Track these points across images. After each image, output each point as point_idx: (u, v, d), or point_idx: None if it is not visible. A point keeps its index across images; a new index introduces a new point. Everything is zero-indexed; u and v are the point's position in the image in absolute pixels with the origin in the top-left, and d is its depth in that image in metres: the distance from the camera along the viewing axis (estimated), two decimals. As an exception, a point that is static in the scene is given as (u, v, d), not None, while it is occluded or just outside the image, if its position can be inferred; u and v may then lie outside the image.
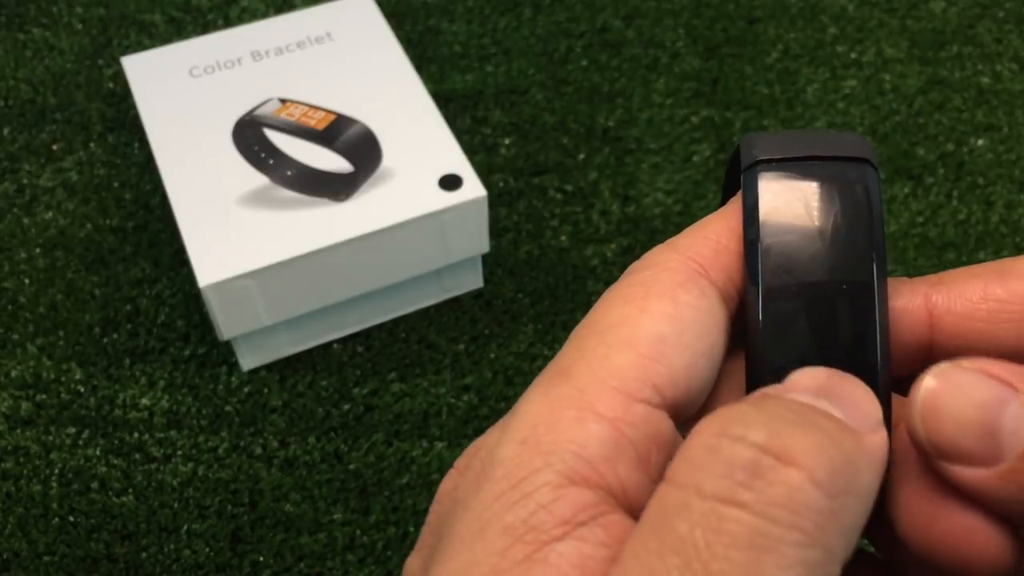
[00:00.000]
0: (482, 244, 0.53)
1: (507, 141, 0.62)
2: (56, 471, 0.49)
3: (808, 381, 0.18)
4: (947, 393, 0.19)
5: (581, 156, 0.61)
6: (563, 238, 0.57)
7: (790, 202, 0.20)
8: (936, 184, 0.59)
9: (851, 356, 0.19)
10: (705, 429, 0.17)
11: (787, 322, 0.20)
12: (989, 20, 0.68)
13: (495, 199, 0.59)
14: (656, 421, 0.19)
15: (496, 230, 0.57)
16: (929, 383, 0.19)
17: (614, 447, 0.18)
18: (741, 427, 0.16)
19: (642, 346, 0.19)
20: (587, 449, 0.18)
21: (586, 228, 0.58)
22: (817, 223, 0.20)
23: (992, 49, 0.66)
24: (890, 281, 0.21)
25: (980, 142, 0.61)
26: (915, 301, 0.21)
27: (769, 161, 0.20)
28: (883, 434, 0.18)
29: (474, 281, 0.55)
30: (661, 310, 0.20)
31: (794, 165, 0.20)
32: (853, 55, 0.66)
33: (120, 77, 0.65)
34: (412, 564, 0.20)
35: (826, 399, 0.18)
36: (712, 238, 0.21)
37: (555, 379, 0.19)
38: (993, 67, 0.65)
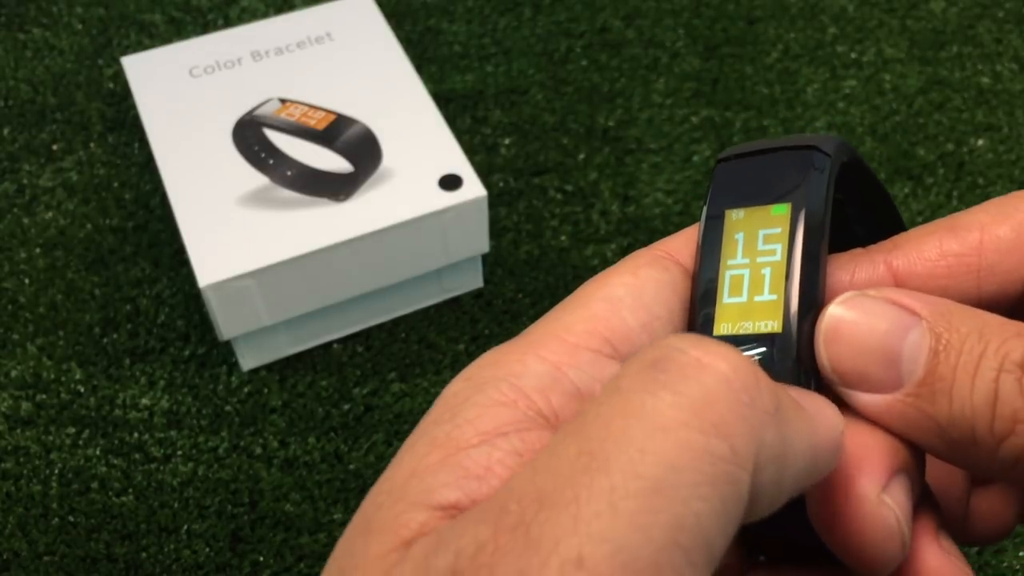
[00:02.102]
0: (482, 244, 0.53)
1: (507, 141, 0.62)
2: (56, 471, 0.49)
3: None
4: (851, 320, 0.19)
5: (581, 156, 0.61)
6: (563, 238, 0.57)
7: (734, 182, 0.22)
8: (936, 184, 0.59)
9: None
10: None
11: (717, 279, 0.21)
12: (989, 20, 0.68)
13: (495, 199, 0.59)
14: (608, 368, 0.19)
15: (496, 230, 0.57)
16: (834, 311, 0.20)
17: (551, 380, 0.19)
18: (673, 338, 0.17)
19: (595, 304, 0.20)
20: (521, 379, 0.19)
21: (586, 228, 0.58)
22: (754, 198, 0.21)
23: (992, 49, 0.66)
24: (847, 253, 0.22)
25: (980, 142, 0.61)
26: (877, 270, 0.21)
27: (728, 158, 0.22)
28: (835, 435, 0.18)
29: (474, 281, 0.55)
30: (620, 280, 0.21)
31: (745, 159, 0.22)
32: (853, 55, 0.66)
33: (120, 77, 0.65)
34: None
35: (791, 391, 0.18)
36: (684, 234, 0.22)
37: (513, 339, 0.20)
38: (993, 67, 0.65)
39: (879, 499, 0.19)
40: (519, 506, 0.15)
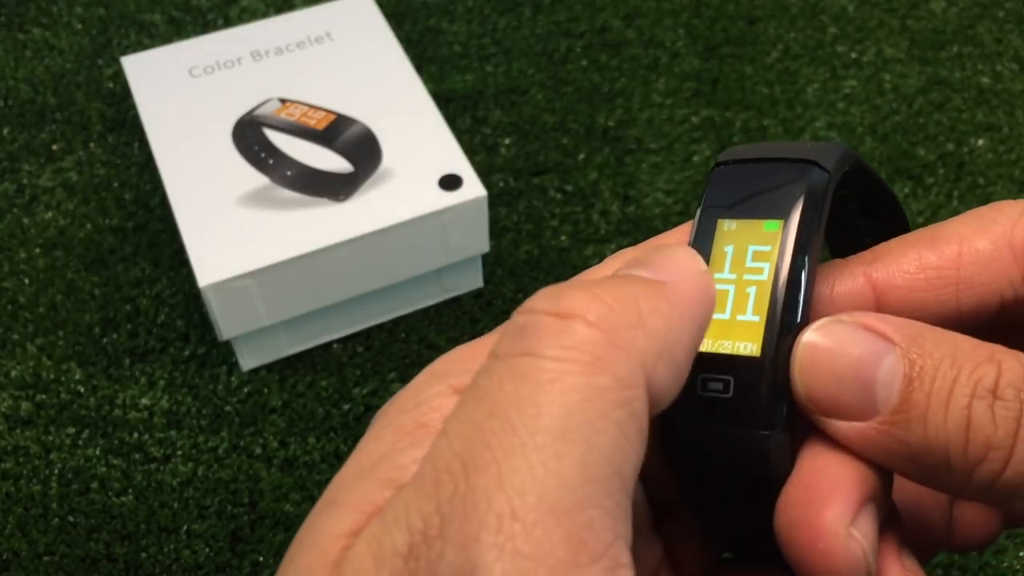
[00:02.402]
0: (482, 244, 0.53)
1: (507, 141, 0.62)
2: (56, 471, 0.49)
3: (626, 257, 0.20)
4: (824, 348, 0.20)
5: (581, 156, 0.61)
6: (563, 238, 0.57)
7: (730, 189, 0.22)
8: (936, 184, 0.59)
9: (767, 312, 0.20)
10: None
11: None
12: (989, 20, 0.68)
13: (495, 199, 0.59)
14: None
15: (496, 230, 0.57)
16: (808, 338, 0.20)
17: None
18: (531, 302, 0.18)
19: None
20: None
21: (586, 228, 0.58)
22: (747, 212, 0.21)
23: (992, 49, 0.66)
24: (828, 264, 0.22)
25: (980, 142, 0.61)
26: (857, 282, 0.21)
27: (726, 163, 0.22)
28: (699, 280, 0.19)
29: (474, 281, 0.55)
30: (603, 275, 0.21)
31: (743, 166, 0.22)
32: (853, 55, 0.66)
33: (120, 77, 0.65)
34: None
35: (636, 267, 0.19)
36: (675, 234, 0.23)
37: (482, 337, 0.21)
38: (993, 67, 0.65)
39: (847, 533, 0.19)
40: (450, 476, 0.16)
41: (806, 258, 0.20)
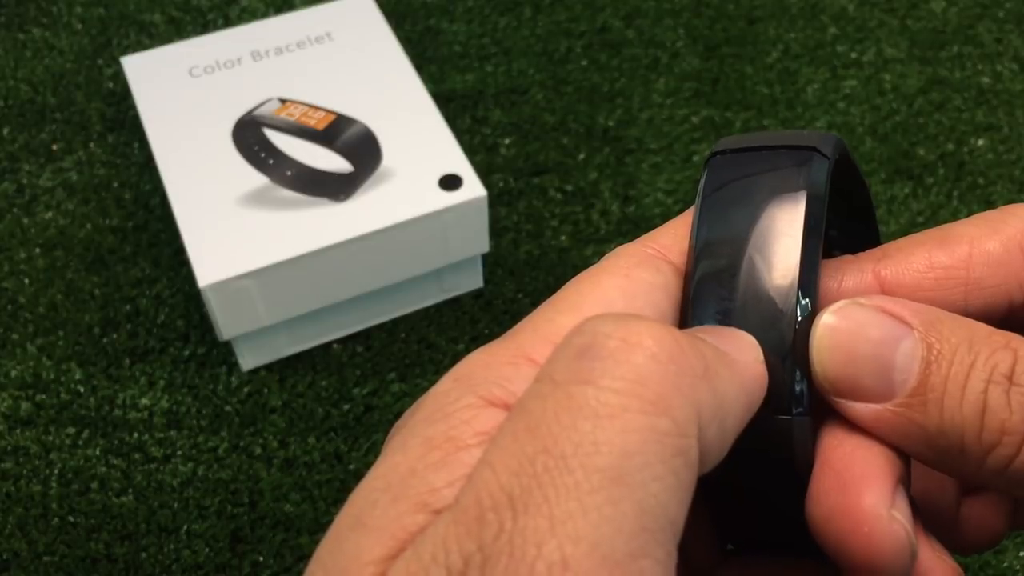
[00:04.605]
0: (482, 244, 0.53)
1: (507, 141, 0.62)
2: (56, 471, 0.49)
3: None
4: (843, 330, 0.20)
5: (581, 156, 0.61)
6: (563, 238, 0.57)
7: (729, 181, 0.21)
8: (936, 184, 0.59)
9: (768, 318, 0.20)
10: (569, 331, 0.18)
11: (713, 280, 0.21)
12: (989, 20, 0.68)
13: (495, 199, 0.59)
14: None
15: (496, 230, 0.57)
16: (827, 320, 0.20)
17: None
18: (593, 322, 0.17)
19: (587, 307, 0.20)
20: (513, 383, 0.19)
21: (586, 228, 0.58)
22: (750, 197, 0.21)
23: (992, 49, 0.66)
24: (835, 260, 0.22)
25: (980, 142, 0.61)
26: (865, 279, 0.21)
27: (724, 152, 0.22)
28: (760, 367, 0.19)
29: (474, 281, 0.55)
30: (613, 283, 0.20)
31: (741, 154, 0.22)
32: (853, 55, 0.66)
33: (120, 77, 0.65)
34: None
35: (702, 333, 0.19)
36: (672, 227, 0.22)
37: (502, 337, 0.20)
38: (993, 67, 0.65)
39: (890, 515, 0.19)
40: (495, 515, 0.16)
41: (818, 242, 0.20)
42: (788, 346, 0.19)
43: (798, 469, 0.20)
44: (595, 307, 0.20)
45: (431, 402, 0.19)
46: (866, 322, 0.19)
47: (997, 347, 0.19)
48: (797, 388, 0.20)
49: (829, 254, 0.23)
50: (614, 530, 0.15)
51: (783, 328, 0.20)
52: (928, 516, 0.24)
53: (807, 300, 0.20)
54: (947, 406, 0.19)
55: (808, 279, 0.20)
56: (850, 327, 0.19)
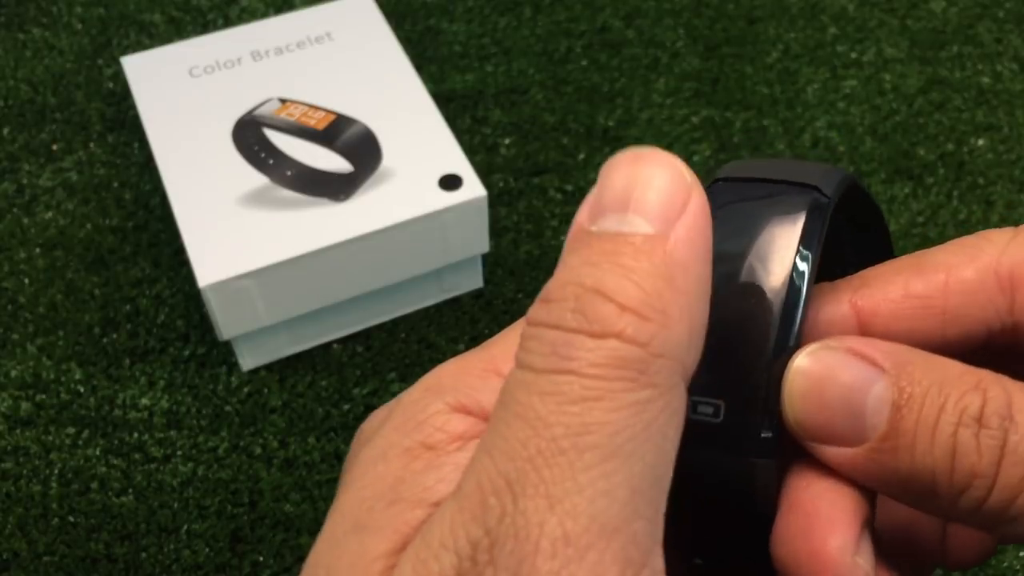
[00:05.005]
0: (482, 244, 0.53)
1: (507, 141, 0.62)
2: (56, 471, 0.49)
3: (615, 186, 0.19)
4: (814, 375, 0.20)
5: (581, 156, 0.61)
6: (563, 238, 0.57)
7: (725, 213, 0.21)
8: (936, 184, 0.59)
9: (743, 359, 0.20)
10: (530, 318, 0.18)
11: None
12: (989, 20, 0.68)
13: (495, 199, 0.59)
14: None
15: (496, 230, 0.57)
16: (799, 364, 0.20)
17: None
18: (554, 313, 0.18)
19: None
20: (479, 393, 0.20)
21: (586, 228, 0.57)
22: (743, 234, 0.21)
23: (992, 49, 0.66)
24: (815, 287, 0.21)
25: (980, 142, 0.61)
26: (842, 308, 0.21)
27: (726, 180, 0.22)
28: (691, 219, 0.19)
29: (474, 281, 0.55)
30: None
31: (744, 184, 0.22)
32: (853, 55, 0.66)
33: (120, 77, 0.65)
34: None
35: (632, 213, 0.18)
36: None
37: (476, 348, 0.21)
38: (993, 67, 0.65)
39: (854, 561, 0.19)
40: (497, 499, 0.16)
41: (802, 286, 0.20)
42: (761, 389, 0.20)
43: (761, 511, 0.20)
44: None
45: (402, 411, 0.20)
46: (837, 366, 0.20)
47: (967, 389, 0.19)
48: (764, 433, 0.20)
49: (845, 272, 0.23)
50: (608, 501, 0.16)
51: (756, 372, 0.20)
52: (916, 534, 0.24)
53: (783, 343, 0.20)
54: (918, 450, 0.19)
55: (785, 329, 0.20)
56: (821, 372, 0.20)
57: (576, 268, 0.18)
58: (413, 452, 0.19)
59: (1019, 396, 0.19)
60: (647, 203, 0.19)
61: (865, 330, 0.21)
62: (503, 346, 0.21)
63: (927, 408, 0.19)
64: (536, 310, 0.18)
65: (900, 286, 0.21)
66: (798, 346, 0.20)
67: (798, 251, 0.20)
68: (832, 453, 0.20)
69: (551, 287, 0.18)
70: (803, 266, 0.20)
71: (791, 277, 0.20)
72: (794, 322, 0.20)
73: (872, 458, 0.19)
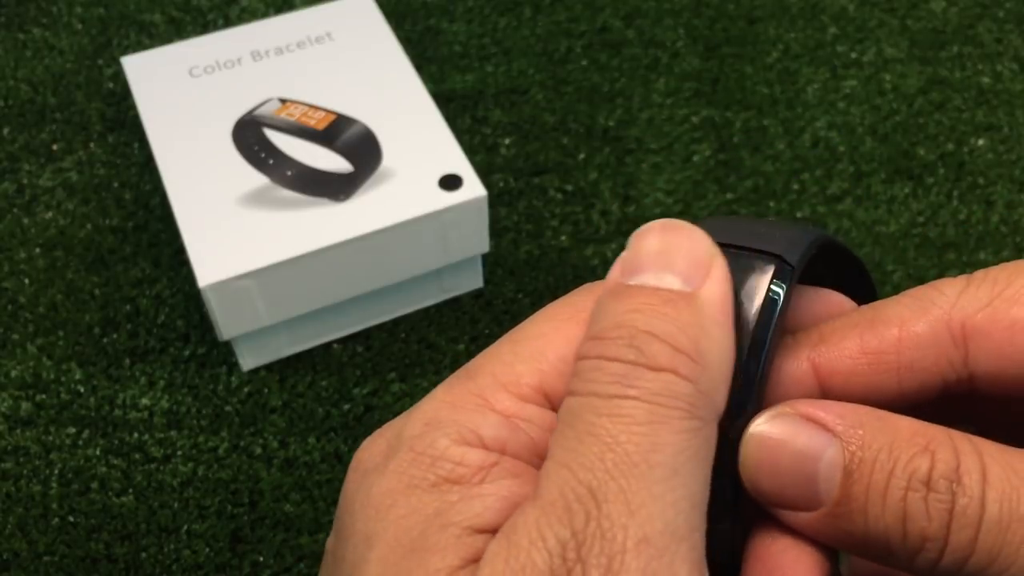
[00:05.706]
0: (482, 244, 0.53)
1: (507, 141, 0.62)
2: (56, 471, 0.49)
3: (649, 249, 0.21)
4: (768, 443, 0.20)
5: (581, 156, 0.61)
6: (563, 238, 0.57)
7: None
8: (936, 184, 0.59)
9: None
10: (585, 353, 0.20)
11: None
12: (989, 20, 0.68)
13: (495, 199, 0.59)
14: (550, 419, 0.21)
15: (496, 230, 0.57)
16: (752, 431, 0.20)
17: (508, 431, 0.21)
18: (612, 348, 0.20)
19: (545, 362, 0.21)
20: (482, 428, 0.21)
21: (586, 228, 0.58)
22: None
23: (992, 49, 0.66)
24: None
25: (980, 142, 0.61)
26: (801, 367, 0.22)
27: None
28: (715, 282, 0.20)
29: (474, 281, 0.55)
30: (575, 334, 0.21)
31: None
32: (853, 55, 0.66)
33: (120, 77, 0.65)
34: (328, 543, 0.22)
35: (666, 272, 0.20)
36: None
37: (462, 377, 0.22)
38: (993, 67, 0.65)
39: None
40: (580, 505, 0.18)
41: (761, 354, 0.20)
42: (723, 453, 0.20)
43: (723, 570, 0.21)
44: (552, 364, 0.21)
45: (409, 446, 0.21)
46: (790, 432, 0.20)
47: (916, 451, 0.19)
48: (726, 497, 0.20)
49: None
50: (676, 512, 0.18)
51: (719, 438, 0.20)
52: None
53: (740, 407, 0.20)
54: (871, 514, 0.19)
55: (743, 391, 0.20)
56: (775, 439, 0.20)
57: (622, 313, 0.20)
58: (441, 488, 0.20)
59: (967, 458, 0.19)
60: (679, 265, 0.20)
61: (824, 386, 0.22)
62: (487, 379, 0.21)
63: (876, 473, 0.19)
64: (590, 346, 0.20)
65: (855, 342, 0.22)
66: (759, 408, 0.21)
67: (756, 324, 0.21)
68: (790, 516, 0.20)
69: (603, 327, 0.20)
70: (762, 338, 0.21)
71: (750, 349, 0.21)
72: (752, 387, 0.20)
73: (828, 522, 0.20)
